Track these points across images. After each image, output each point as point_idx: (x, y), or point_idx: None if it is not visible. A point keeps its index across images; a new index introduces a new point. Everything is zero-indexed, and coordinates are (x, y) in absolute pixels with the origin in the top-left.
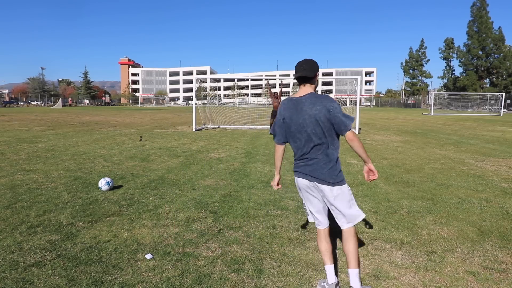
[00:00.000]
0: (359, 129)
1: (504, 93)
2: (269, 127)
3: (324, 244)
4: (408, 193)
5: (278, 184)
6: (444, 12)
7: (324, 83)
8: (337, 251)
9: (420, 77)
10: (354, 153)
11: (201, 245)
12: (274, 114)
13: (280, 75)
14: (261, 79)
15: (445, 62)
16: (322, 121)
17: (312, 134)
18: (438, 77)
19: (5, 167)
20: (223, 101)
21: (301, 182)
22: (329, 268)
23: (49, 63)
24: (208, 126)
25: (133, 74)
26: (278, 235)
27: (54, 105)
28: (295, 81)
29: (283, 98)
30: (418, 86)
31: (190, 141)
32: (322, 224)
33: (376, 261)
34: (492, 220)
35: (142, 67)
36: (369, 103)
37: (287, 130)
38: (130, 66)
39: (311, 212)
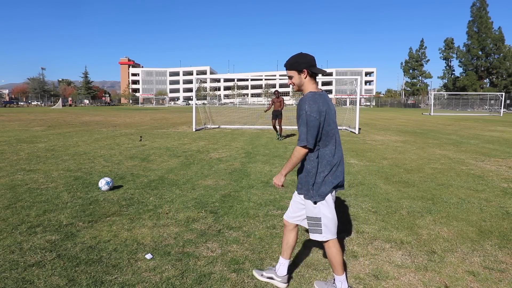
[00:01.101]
0: (359, 129)
1: (504, 93)
2: (272, 127)
3: (342, 254)
4: (408, 193)
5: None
6: (444, 12)
7: (324, 83)
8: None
9: (420, 77)
10: (353, 153)
11: (201, 245)
12: (275, 115)
13: (280, 75)
14: (261, 79)
15: (445, 62)
16: None
17: (338, 133)
18: (438, 77)
19: (5, 167)
20: (223, 101)
21: (332, 196)
22: (344, 278)
23: (49, 63)
24: (208, 126)
25: (133, 74)
26: (278, 235)
27: (54, 105)
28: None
29: (286, 98)
30: (418, 86)
31: (190, 141)
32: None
33: (376, 261)
34: (492, 220)
35: (142, 67)
36: (369, 103)
37: (323, 129)
38: (130, 66)
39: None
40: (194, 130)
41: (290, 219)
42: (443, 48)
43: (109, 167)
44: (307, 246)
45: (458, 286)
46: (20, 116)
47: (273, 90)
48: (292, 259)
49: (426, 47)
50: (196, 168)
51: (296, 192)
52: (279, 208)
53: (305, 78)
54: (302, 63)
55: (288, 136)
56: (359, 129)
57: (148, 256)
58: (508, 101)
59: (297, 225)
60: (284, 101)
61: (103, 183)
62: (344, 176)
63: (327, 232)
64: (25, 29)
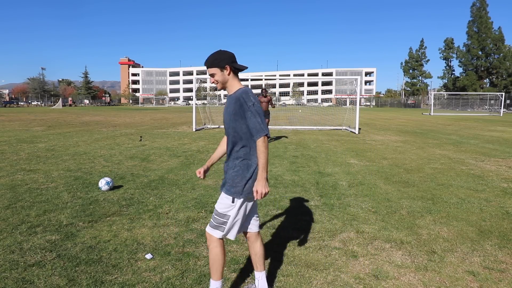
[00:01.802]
0: (359, 129)
1: (504, 93)
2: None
3: (225, 257)
4: (408, 193)
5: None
6: (444, 12)
7: (324, 83)
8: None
9: (420, 77)
10: (353, 153)
11: (201, 245)
12: (264, 114)
13: (280, 75)
14: (261, 79)
15: (445, 62)
16: None
17: None
18: (438, 77)
19: (5, 167)
20: (223, 101)
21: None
22: (220, 284)
23: (49, 63)
24: (208, 126)
25: (133, 74)
26: (278, 235)
27: (54, 105)
28: (295, 81)
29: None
30: (418, 86)
31: (190, 141)
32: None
33: (376, 261)
34: (492, 220)
35: (142, 67)
36: (369, 103)
37: None
38: (130, 66)
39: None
40: (194, 130)
41: (248, 228)
42: (443, 48)
43: (109, 167)
44: (307, 246)
45: (458, 286)
46: (20, 116)
47: (273, 90)
48: (266, 269)
49: (426, 47)
50: (196, 168)
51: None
52: (279, 208)
53: (228, 75)
54: (223, 60)
55: (278, 138)
56: (359, 129)
57: (148, 256)
58: (508, 101)
59: (258, 232)
60: (273, 100)
61: (103, 183)
62: None
63: (229, 232)
64: (25, 29)
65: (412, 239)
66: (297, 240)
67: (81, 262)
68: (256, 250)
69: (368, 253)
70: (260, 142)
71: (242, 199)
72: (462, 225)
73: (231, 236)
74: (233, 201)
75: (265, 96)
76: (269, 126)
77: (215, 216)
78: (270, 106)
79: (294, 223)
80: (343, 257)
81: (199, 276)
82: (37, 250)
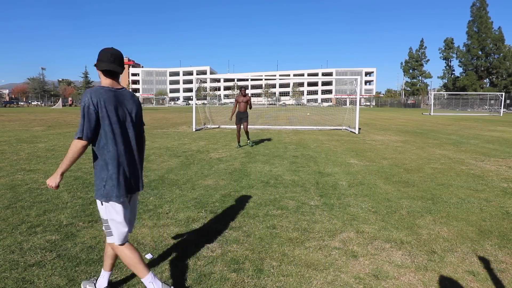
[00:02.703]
0: (359, 129)
1: (504, 93)
2: (237, 134)
3: (138, 254)
4: (408, 193)
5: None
6: (444, 12)
7: (324, 83)
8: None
9: (420, 77)
10: (353, 153)
11: (201, 245)
12: (240, 118)
13: (280, 75)
14: (261, 79)
15: (445, 62)
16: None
17: (132, 133)
18: (438, 77)
19: (5, 167)
20: (223, 101)
21: (122, 200)
22: (151, 278)
23: (49, 63)
24: (208, 126)
25: (133, 74)
26: (278, 235)
27: (54, 105)
28: (295, 81)
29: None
30: (418, 86)
31: (190, 141)
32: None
33: (376, 261)
34: (492, 220)
35: (142, 67)
36: (369, 103)
37: (107, 126)
38: (130, 66)
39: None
40: (194, 130)
41: None
42: (443, 48)
43: None
44: (307, 246)
45: (458, 286)
46: (20, 116)
47: (273, 90)
48: (112, 271)
49: (426, 47)
50: (196, 168)
51: None
52: (279, 208)
53: (100, 74)
54: (97, 58)
55: (262, 140)
56: (359, 129)
57: (148, 256)
58: (508, 101)
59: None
60: (251, 101)
61: None
62: (142, 180)
63: (118, 235)
64: (25, 29)
65: (412, 239)
66: (297, 240)
67: (81, 262)
68: (107, 249)
69: (368, 253)
70: (73, 141)
71: (106, 201)
72: (462, 225)
73: (120, 239)
74: (102, 204)
75: (244, 96)
76: (268, 126)
77: (103, 223)
78: (248, 107)
79: (294, 223)
80: (343, 257)
81: (199, 276)
82: (37, 250)
